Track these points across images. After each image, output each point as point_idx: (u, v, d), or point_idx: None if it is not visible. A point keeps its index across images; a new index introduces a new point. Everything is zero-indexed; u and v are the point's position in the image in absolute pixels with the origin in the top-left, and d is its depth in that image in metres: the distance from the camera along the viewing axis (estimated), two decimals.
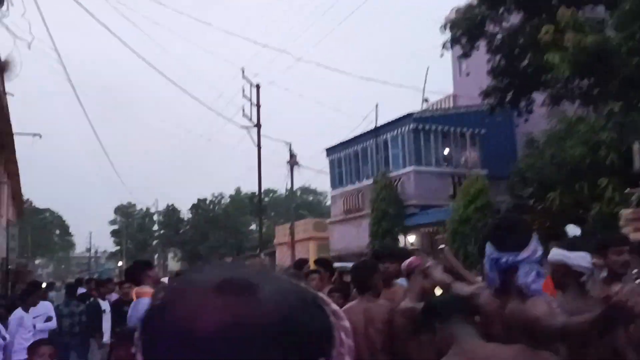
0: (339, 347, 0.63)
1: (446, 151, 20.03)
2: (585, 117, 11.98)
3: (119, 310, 9.49)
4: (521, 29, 12.82)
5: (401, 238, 18.70)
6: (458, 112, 20.21)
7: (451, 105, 22.58)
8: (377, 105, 20.47)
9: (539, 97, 14.34)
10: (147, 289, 4.67)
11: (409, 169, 19.19)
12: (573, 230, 3.40)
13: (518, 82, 13.80)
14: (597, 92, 11.82)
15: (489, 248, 2.45)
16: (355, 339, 3.94)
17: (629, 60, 9.90)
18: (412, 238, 18.89)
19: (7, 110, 14.75)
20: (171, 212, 51.99)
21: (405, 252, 4.97)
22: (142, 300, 4.57)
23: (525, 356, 2.04)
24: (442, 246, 4.85)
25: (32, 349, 4.27)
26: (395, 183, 18.94)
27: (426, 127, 19.36)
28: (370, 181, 19.81)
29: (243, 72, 23.40)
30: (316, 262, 6.56)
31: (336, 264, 9.90)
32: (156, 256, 53.44)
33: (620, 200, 10.80)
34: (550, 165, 12.52)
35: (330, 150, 23.37)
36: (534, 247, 2.38)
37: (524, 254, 2.33)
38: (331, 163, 23.23)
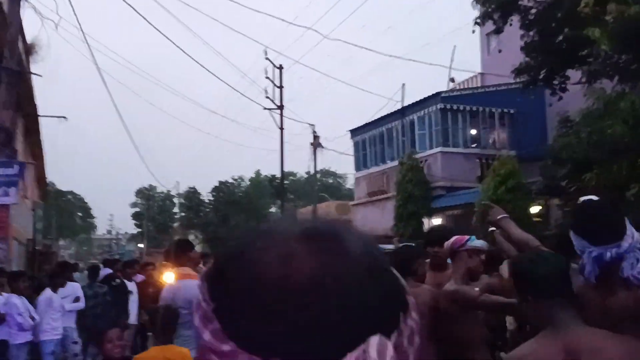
0: (410, 318, 0.59)
1: (474, 131, 19.59)
2: (626, 94, 11.48)
3: (144, 291, 9.50)
4: (558, 2, 12.27)
5: (426, 221, 18.39)
6: (487, 91, 19.69)
7: (479, 84, 22.06)
8: (403, 85, 20.10)
9: (573, 74, 13.82)
10: (189, 271, 4.46)
11: (436, 150, 18.81)
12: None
13: (553, 58, 13.27)
14: (637, 67, 11.30)
15: (579, 241, 2.19)
16: None
17: None
18: (437, 221, 18.57)
19: (33, 92, 14.66)
20: (192, 194, 52.20)
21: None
22: (185, 282, 4.33)
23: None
24: (492, 229, 4.65)
25: (101, 335, 4.21)
26: (422, 164, 18.59)
27: (454, 106, 18.93)
28: (396, 163, 19.48)
29: (266, 53, 23.14)
30: None
31: None
32: (177, 238, 53.64)
33: None
34: (587, 145, 12.07)
35: (355, 132, 23.06)
36: (631, 233, 2.11)
37: (625, 244, 2.08)
38: (356, 145, 22.92)
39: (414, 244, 5.15)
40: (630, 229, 2.12)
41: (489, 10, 13.29)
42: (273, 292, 0.53)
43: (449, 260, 4.34)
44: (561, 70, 13.68)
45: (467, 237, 3.86)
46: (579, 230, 2.20)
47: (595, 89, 12.10)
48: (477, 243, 3.81)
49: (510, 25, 13.64)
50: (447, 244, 3.87)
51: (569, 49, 12.70)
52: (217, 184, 49.27)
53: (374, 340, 0.52)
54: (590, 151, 12.02)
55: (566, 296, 1.92)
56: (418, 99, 19.60)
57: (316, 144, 23.43)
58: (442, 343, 3.70)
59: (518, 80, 14.60)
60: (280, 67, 23.36)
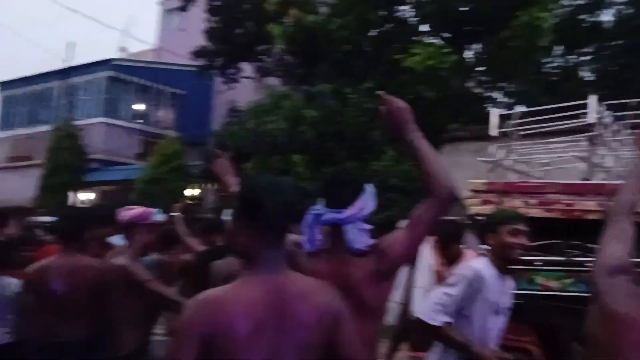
0: None
1: (142, 107, 18.97)
2: (289, 95, 12.66)
3: None
4: None
5: (73, 195, 17.02)
6: (162, 68, 19.29)
7: (153, 59, 21.48)
8: (72, 44, 18.25)
9: (246, 67, 14.61)
10: None
11: (98, 119, 17.60)
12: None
13: (231, 48, 13.80)
14: (302, 71, 12.57)
15: (320, 203, 2.19)
16: (56, 298, 3.25)
17: (340, 47, 10.73)
18: (88, 195, 17.34)
19: None
20: None
21: None
22: None
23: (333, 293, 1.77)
24: (174, 214, 4.54)
25: None
26: (80, 133, 17.11)
27: (125, 77, 18.00)
28: (50, 127, 17.52)
29: None
30: None
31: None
32: None
33: (310, 176, 11.72)
34: (251, 136, 12.89)
35: (5, 85, 20.04)
36: (360, 206, 2.16)
37: (345, 213, 2.13)
38: (5, 100, 19.89)
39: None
40: (362, 202, 2.16)
41: None
42: None
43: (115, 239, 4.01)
44: (237, 61, 14.32)
45: (153, 210, 3.64)
46: (320, 191, 2.20)
47: (266, 84, 13.04)
48: (161, 217, 3.67)
49: (197, 6, 13.67)
50: (128, 215, 3.51)
51: (247, 42, 13.38)
52: None
53: None
54: (253, 142, 12.87)
55: (285, 233, 1.80)
56: (86, 62, 18.01)
57: None
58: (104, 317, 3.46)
59: (195, 63, 14.73)
60: None
